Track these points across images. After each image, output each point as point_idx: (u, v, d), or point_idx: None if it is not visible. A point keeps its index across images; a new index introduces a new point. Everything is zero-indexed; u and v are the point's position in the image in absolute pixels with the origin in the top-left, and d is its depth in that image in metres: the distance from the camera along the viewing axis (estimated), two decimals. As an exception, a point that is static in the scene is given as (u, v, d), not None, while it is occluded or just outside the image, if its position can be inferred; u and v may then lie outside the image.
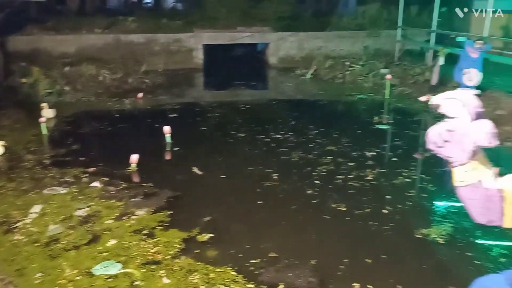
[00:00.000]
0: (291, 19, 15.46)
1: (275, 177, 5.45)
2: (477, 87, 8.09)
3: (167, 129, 6.60)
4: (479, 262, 3.67)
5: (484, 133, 1.51)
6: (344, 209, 4.62)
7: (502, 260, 3.67)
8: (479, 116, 1.56)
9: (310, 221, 4.42)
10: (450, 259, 3.80)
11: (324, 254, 3.80)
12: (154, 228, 4.17)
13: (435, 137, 1.59)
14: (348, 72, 12.14)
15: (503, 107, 7.70)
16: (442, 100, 1.58)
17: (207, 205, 4.70)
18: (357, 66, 12.14)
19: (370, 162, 6.01)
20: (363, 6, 15.66)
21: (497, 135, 1.55)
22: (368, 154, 6.33)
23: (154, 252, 3.74)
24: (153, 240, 3.95)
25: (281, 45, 14.84)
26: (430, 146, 1.63)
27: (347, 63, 12.53)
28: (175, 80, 12.12)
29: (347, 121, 8.42)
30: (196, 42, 14.11)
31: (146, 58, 13.05)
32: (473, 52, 7.73)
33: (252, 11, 15.73)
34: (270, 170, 5.66)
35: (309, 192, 5.05)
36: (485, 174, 1.61)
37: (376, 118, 8.28)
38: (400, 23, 12.90)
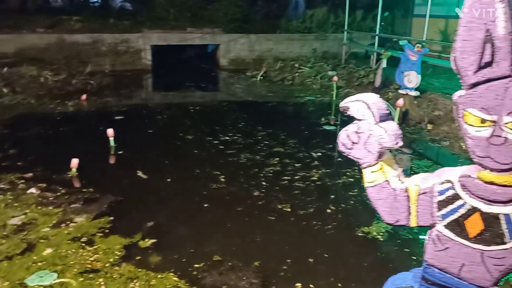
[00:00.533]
0: (242, 21, 15.52)
1: (222, 179, 5.43)
2: (417, 89, 8.43)
3: (110, 132, 6.41)
4: (416, 257, 3.82)
5: (389, 134, 1.54)
6: (289, 209, 4.68)
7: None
8: (384, 118, 1.60)
9: (255, 222, 4.43)
10: (389, 256, 3.93)
11: (268, 255, 3.81)
12: (93, 235, 4.02)
13: (344, 139, 1.63)
14: (297, 74, 12.35)
15: (440, 108, 8.08)
16: (349, 103, 1.60)
17: (151, 210, 4.60)
18: (305, 68, 12.37)
19: (316, 162, 6.12)
20: (311, 9, 15.97)
21: (401, 136, 1.60)
22: (314, 154, 6.44)
23: (93, 260, 3.61)
24: (92, 247, 3.81)
25: (232, 47, 14.86)
26: (340, 148, 1.66)
27: (296, 65, 12.74)
28: (122, 82, 11.84)
29: (295, 122, 8.53)
30: (145, 42, 13.84)
31: (92, 58, 12.67)
32: (412, 55, 8.06)
33: (203, 12, 15.66)
34: (217, 173, 5.63)
35: (256, 193, 5.07)
36: (392, 174, 1.66)
37: (323, 119, 8.47)
38: (346, 26, 13.24)
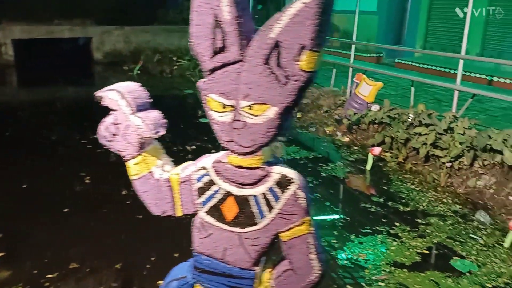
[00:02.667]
0: (116, 12, 14.78)
1: (87, 181, 5.12)
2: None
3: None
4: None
5: (147, 124, 1.51)
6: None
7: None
8: (143, 107, 1.56)
9: (120, 223, 4.25)
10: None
11: (132, 256, 3.68)
12: None
13: (103, 131, 1.55)
14: (176, 67, 12.16)
15: (307, 96, 8.56)
16: (103, 93, 1.52)
17: (1, 221, 4.16)
18: (184, 61, 12.22)
19: (190, 155, 6.08)
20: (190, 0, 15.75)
21: (164, 125, 1.59)
22: (189, 148, 6.40)
23: None
24: None
25: (106, 39, 14.11)
26: (101, 141, 1.57)
27: (175, 58, 12.53)
28: (-23, 79, 10.56)
29: (172, 116, 8.24)
30: (5, 36, 12.52)
31: None
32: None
33: (73, 3, 14.56)
34: (83, 174, 5.29)
35: (124, 192, 4.85)
36: (156, 165, 1.64)
37: (200, 112, 8.45)
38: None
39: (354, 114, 7.02)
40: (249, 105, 1.34)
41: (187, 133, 7.10)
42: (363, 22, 11.92)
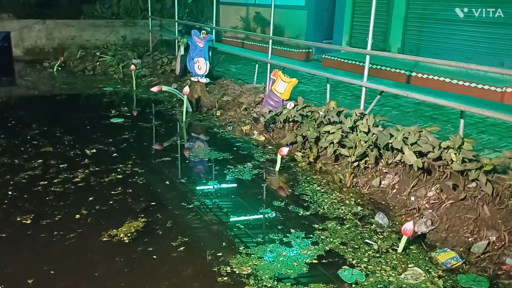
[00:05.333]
0: (39, 5, 13.82)
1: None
2: (214, 75, 8.46)
3: None
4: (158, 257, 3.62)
5: None
6: (29, 221, 4.06)
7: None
8: None
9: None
10: (131, 259, 3.62)
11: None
12: None
13: None
14: (98, 63, 11.48)
15: (229, 93, 8.22)
16: None
17: None
18: (107, 56, 11.55)
19: (86, 160, 5.57)
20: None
21: None
22: (88, 151, 5.88)
23: None
24: None
25: (27, 35, 13.14)
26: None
27: (98, 53, 11.83)
28: None
29: (81, 116, 7.77)
30: None
31: None
32: (199, 41, 8.01)
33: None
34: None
35: None
36: None
37: (113, 111, 7.91)
38: (150, 13, 12.74)
39: (270, 112, 6.74)
40: None
41: (91, 135, 6.56)
42: (292, 17, 11.75)
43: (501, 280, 3.37)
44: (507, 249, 3.58)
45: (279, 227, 4.14)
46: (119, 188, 4.82)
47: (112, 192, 4.73)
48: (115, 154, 5.86)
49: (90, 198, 4.57)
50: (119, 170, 5.32)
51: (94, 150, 5.94)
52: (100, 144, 6.18)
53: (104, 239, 3.82)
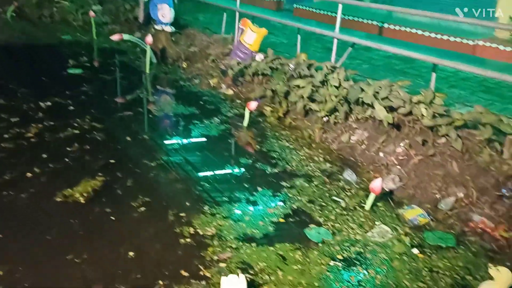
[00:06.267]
0: None
1: None
2: (180, 24, 7.99)
3: None
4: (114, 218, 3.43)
5: None
6: (-25, 181, 3.77)
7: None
8: None
9: None
10: (87, 221, 3.41)
11: None
12: None
13: None
14: (56, 9, 10.69)
15: (197, 44, 7.81)
16: None
17: None
18: (65, 2, 10.74)
19: (41, 114, 5.20)
20: None
21: None
22: (43, 105, 5.49)
23: None
24: None
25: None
26: None
27: (55, -1, 10.99)
28: None
29: (36, 67, 7.26)
30: None
31: None
32: (163, -13, 7.47)
33: None
34: None
35: None
36: None
37: (71, 62, 7.41)
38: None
39: (238, 64, 6.44)
40: None
41: (47, 88, 6.14)
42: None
43: (468, 237, 3.37)
44: (475, 206, 3.57)
45: (246, 185, 4.00)
46: (76, 145, 4.52)
47: (68, 149, 4.43)
48: (72, 108, 5.50)
49: (44, 156, 4.27)
50: (76, 125, 4.99)
51: (50, 103, 5.55)
52: (56, 97, 5.77)
53: (58, 199, 3.58)
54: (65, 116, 5.22)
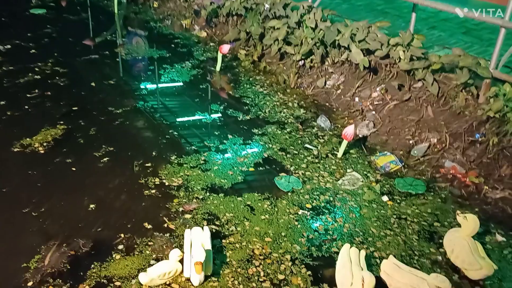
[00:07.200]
0: None
1: None
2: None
3: None
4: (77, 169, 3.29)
5: None
6: None
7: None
8: None
9: None
10: (46, 171, 3.26)
11: None
12: None
13: None
14: None
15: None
16: None
17: None
18: None
19: (1, 58, 4.88)
20: None
21: None
22: (2, 48, 5.16)
23: None
24: None
25: None
26: None
27: None
28: None
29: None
30: None
31: None
32: None
33: None
34: None
35: None
36: None
37: (33, 1, 6.92)
38: None
39: (211, 3, 6.07)
40: None
41: (6, 29, 5.76)
42: None
43: (438, 184, 3.33)
44: (447, 151, 3.51)
45: (216, 133, 3.86)
46: (36, 91, 4.28)
47: (28, 95, 4.19)
48: (33, 51, 5.17)
49: (1, 102, 4.04)
50: (37, 69, 4.71)
51: (9, 46, 5.21)
52: (16, 39, 5.42)
53: (16, 149, 3.41)
54: (26, 60, 4.91)
